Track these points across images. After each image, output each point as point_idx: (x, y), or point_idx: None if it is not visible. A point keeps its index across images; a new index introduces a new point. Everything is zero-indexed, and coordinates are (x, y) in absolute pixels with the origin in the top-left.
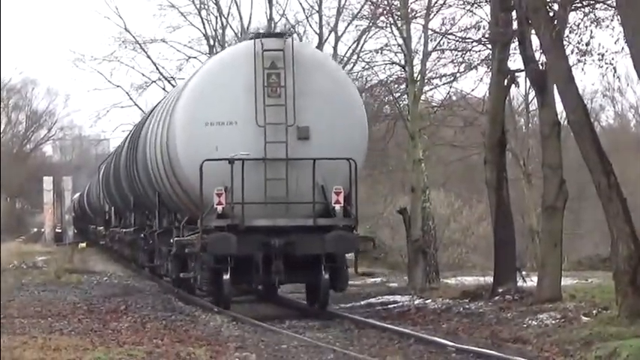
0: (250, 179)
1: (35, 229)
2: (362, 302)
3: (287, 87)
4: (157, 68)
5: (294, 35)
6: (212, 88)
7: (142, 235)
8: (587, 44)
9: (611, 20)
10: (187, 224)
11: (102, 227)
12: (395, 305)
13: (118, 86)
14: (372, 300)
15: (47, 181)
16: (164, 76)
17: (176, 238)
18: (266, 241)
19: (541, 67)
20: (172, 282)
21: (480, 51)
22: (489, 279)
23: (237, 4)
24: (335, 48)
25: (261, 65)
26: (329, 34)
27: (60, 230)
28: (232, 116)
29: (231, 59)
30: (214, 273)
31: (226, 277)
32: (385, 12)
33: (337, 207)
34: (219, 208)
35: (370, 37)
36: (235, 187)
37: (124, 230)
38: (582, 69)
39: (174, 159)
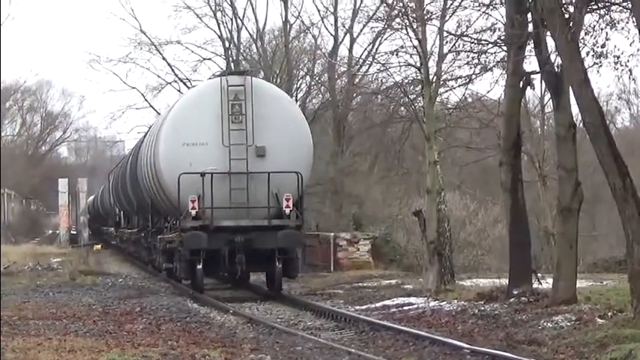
0: (218, 189)
1: (50, 231)
2: (377, 304)
3: (247, 115)
4: (172, 70)
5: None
6: (188, 116)
7: (143, 234)
8: (603, 46)
9: (627, 22)
10: (173, 225)
11: (113, 228)
12: (410, 307)
13: (133, 88)
14: (388, 302)
15: (62, 183)
16: (179, 78)
17: (159, 236)
18: (231, 238)
19: (556, 70)
20: (166, 272)
21: (495, 53)
22: (504, 281)
23: (252, 6)
24: (350, 50)
25: (226, 97)
26: (344, 36)
27: (75, 232)
28: (203, 138)
29: (202, 93)
30: (190, 264)
31: (199, 266)
32: (400, 14)
33: (287, 210)
34: (194, 211)
35: (385, 39)
36: (206, 195)
37: (129, 230)
38: (598, 71)
39: (158, 172)
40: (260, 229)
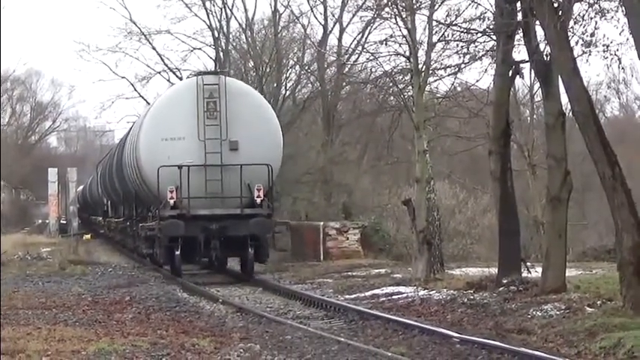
0: (194, 180)
1: (40, 221)
2: (366, 293)
3: (221, 111)
4: (162, 59)
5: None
6: (166, 113)
7: (128, 223)
8: (592, 35)
9: (616, 11)
10: (154, 214)
11: (101, 218)
12: (399, 296)
13: (122, 77)
14: (377, 291)
15: (52, 173)
16: (169, 68)
17: (140, 224)
18: (206, 226)
19: (546, 58)
20: (149, 258)
21: (484, 42)
22: (494, 270)
23: None
24: (339, 39)
25: (202, 95)
26: (333, 26)
27: (65, 221)
28: (181, 133)
29: (180, 91)
30: (169, 250)
31: (177, 252)
32: (390, 3)
33: (259, 200)
34: (172, 201)
35: (375, 29)
36: (183, 186)
37: (116, 220)
38: (587, 60)
39: (140, 165)
40: (233, 218)
